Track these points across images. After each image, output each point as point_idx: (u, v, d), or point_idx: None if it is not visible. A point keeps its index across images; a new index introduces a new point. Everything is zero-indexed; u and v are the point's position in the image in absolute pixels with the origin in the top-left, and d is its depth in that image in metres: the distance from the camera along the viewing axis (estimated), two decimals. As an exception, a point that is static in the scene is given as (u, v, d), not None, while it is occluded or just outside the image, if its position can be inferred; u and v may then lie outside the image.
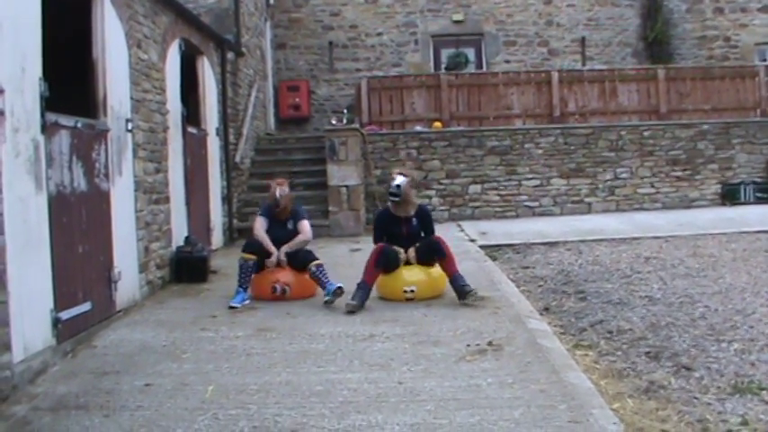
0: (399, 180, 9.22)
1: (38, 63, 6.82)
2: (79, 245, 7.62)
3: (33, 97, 6.68)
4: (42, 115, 6.84)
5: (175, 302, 9.57)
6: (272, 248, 9.50)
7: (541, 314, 8.81)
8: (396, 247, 9.16)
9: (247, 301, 9.23)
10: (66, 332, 7.17)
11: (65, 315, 7.11)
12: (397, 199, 9.19)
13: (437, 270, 9.14)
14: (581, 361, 6.94)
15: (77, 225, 7.61)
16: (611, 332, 8.05)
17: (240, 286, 9.31)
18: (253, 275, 9.45)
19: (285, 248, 9.53)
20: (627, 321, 8.42)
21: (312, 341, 7.44)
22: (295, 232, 9.71)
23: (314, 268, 9.33)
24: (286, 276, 9.45)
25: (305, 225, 9.82)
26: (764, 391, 6.05)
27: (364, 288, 8.73)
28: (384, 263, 8.98)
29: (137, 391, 6.14)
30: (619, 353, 7.32)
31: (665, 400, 5.99)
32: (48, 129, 6.94)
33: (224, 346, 7.36)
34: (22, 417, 5.67)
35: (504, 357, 6.67)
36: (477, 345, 7.07)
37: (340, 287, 9.00)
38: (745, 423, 5.45)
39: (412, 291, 9.00)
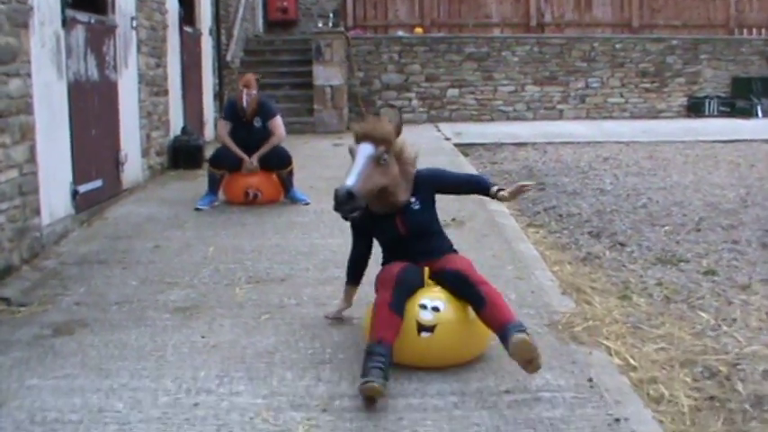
0: (351, 179, 4.49)
1: (59, -37, 7.70)
2: (92, 128, 8.56)
3: (56, -6, 7.59)
4: (63, 11, 7.72)
5: (175, 185, 10.61)
6: (241, 154, 8.97)
7: (502, 201, 9.87)
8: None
9: (216, 203, 9.11)
10: (83, 204, 8.18)
11: (81, 188, 8.11)
12: (354, 215, 4.63)
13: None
14: (531, 236, 8.04)
15: (91, 110, 8.53)
16: (561, 215, 9.20)
17: (210, 190, 9.13)
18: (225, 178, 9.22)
19: (258, 155, 8.97)
20: (577, 207, 9.56)
21: (299, 215, 8.57)
22: (263, 131, 9.06)
23: (284, 175, 9.14)
24: (258, 181, 9.11)
25: (277, 124, 9.16)
26: (682, 263, 7.16)
27: (383, 354, 4.24)
28: (407, 295, 4.56)
29: (148, 251, 7.22)
30: (565, 231, 8.45)
31: (598, 266, 7.08)
32: (67, 23, 7.83)
33: (221, 219, 8.45)
34: (52, 269, 6.73)
35: (464, 231, 7.73)
36: (443, 220, 8.10)
37: (308, 203, 9.05)
38: (659, 284, 6.53)
39: (435, 308, 4.55)
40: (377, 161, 4.58)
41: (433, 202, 5.01)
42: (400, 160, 4.79)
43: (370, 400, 4.11)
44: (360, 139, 4.66)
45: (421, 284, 4.71)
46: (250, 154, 8.97)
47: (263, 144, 9.00)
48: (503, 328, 4.35)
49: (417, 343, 4.51)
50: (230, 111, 9.23)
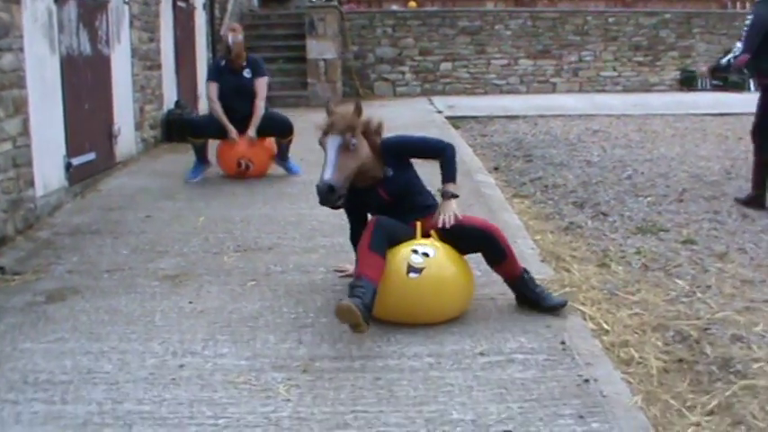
0: (327, 172, 4.84)
1: (50, -61, 7.82)
2: (85, 102, 8.69)
3: (47, -31, 7.71)
4: (55, -14, 7.87)
5: (168, 157, 10.77)
6: (227, 125, 8.85)
7: (490, 172, 10.07)
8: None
9: (204, 174, 9.14)
10: (76, 176, 8.32)
11: (75, 161, 8.24)
12: (340, 203, 4.98)
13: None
14: (516, 206, 8.21)
15: (84, 84, 8.66)
16: (546, 186, 9.39)
17: (198, 160, 9.14)
18: (218, 145, 9.15)
19: (252, 127, 8.85)
20: (563, 179, 9.75)
21: (288, 185, 8.75)
22: (251, 83, 9.00)
23: (284, 145, 9.14)
24: (251, 151, 9.02)
25: (261, 85, 9.05)
26: (661, 232, 7.33)
27: (366, 287, 4.51)
28: (387, 238, 4.80)
29: (139, 221, 7.38)
30: (550, 202, 8.63)
31: (580, 236, 7.25)
32: (59, -1, 7.97)
33: (212, 190, 8.62)
34: (46, 239, 6.88)
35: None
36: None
37: (299, 175, 9.04)
38: (638, 253, 6.69)
39: (425, 254, 4.81)
40: (346, 148, 4.85)
41: (408, 164, 5.26)
42: (367, 134, 5.05)
43: (356, 329, 4.41)
44: (326, 132, 4.93)
45: (408, 233, 4.97)
46: (240, 103, 8.90)
47: (251, 94, 8.95)
48: (518, 279, 5.05)
49: (404, 283, 4.73)
50: (215, 69, 9.35)
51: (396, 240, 4.87)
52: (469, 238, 4.97)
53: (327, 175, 4.79)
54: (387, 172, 5.12)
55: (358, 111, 5.00)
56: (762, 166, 8.24)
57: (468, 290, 5.00)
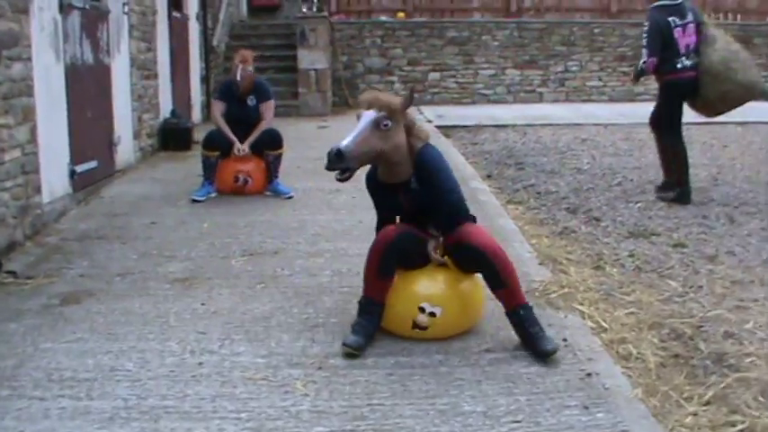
0: (346, 140, 4.60)
1: (56, -49, 8.00)
2: (88, 110, 8.84)
3: (53, -19, 7.89)
4: (60, -4, 8.05)
5: (166, 165, 10.95)
6: (232, 138, 8.77)
7: (484, 179, 10.26)
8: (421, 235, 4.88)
9: (213, 194, 8.84)
10: (80, 183, 8.47)
11: (78, 168, 8.39)
12: (345, 176, 4.68)
13: (472, 282, 4.93)
14: (511, 212, 8.40)
15: (87, 93, 8.81)
16: (539, 193, 9.59)
17: (206, 179, 8.86)
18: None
19: (249, 141, 8.78)
20: (554, 186, 9.96)
21: (287, 193, 8.90)
22: (255, 110, 8.93)
23: (271, 158, 8.90)
24: (249, 167, 8.93)
25: (269, 107, 9.06)
26: (653, 236, 7.54)
27: (370, 312, 4.80)
28: (397, 261, 4.80)
29: (145, 227, 7.55)
30: (543, 208, 8.82)
31: (574, 240, 7.45)
32: (64, 9, 8.10)
33: (213, 198, 8.77)
34: (55, 244, 7.04)
35: (446, 208, 8.08)
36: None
37: (291, 196, 8.78)
38: (631, 256, 6.90)
39: (431, 314, 4.74)
40: (377, 125, 4.62)
41: (428, 186, 4.84)
42: (410, 134, 4.80)
43: (350, 357, 4.58)
44: (365, 106, 4.73)
45: (423, 250, 4.82)
46: (241, 130, 8.79)
47: (255, 122, 8.87)
48: (513, 310, 4.70)
49: (408, 333, 4.81)
50: (224, 90, 9.11)
51: (409, 257, 4.80)
52: (471, 261, 4.75)
53: (344, 142, 4.56)
54: (412, 182, 4.82)
55: (405, 104, 4.78)
56: (664, 152, 9.32)
57: (473, 322, 5.01)
